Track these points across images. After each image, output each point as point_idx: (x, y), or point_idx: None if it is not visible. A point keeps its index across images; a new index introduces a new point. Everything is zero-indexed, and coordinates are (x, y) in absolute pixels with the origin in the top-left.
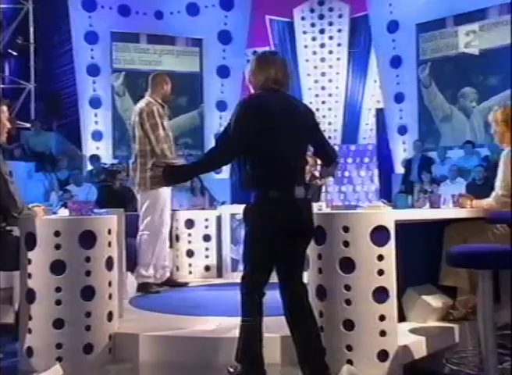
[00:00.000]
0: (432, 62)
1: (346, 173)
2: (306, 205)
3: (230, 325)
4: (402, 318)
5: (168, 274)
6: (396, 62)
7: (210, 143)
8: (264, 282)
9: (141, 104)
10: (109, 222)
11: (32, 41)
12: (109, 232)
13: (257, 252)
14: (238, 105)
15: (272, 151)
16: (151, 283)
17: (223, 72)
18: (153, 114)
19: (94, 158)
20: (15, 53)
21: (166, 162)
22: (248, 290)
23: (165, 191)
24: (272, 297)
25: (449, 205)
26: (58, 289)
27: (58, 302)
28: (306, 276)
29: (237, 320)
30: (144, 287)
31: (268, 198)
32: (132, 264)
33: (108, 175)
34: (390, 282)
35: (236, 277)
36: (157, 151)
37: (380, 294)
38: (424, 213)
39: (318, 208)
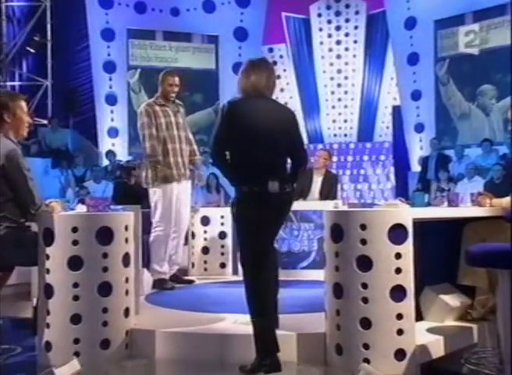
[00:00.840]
0: (450, 59)
1: (362, 171)
2: (281, 198)
3: (246, 322)
4: (419, 317)
5: (174, 271)
6: (413, 59)
7: None
8: (260, 259)
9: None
10: (126, 218)
11: (49, 38)
12: (126, 228)
13: (245, 239)
14: (220, 110)
15: (245, 151)
16: (166, 279)
17: (239, 69)
18: (144, 113)
19: (111, 154)
20: (32, 50)
21: (151, 160)
22: (249, 276)
23: (174, 188)
24: (287, 295)
25: (467, 204)
26: (75, 285)
27: (75, 298)
28: (322, 274)
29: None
30: (159, 284)
31: (243, 193)
32: (148, 260)
33: (124, 171)
34: (408, 280)
35: None
36: (145, 149)
37: (397, 293)
38: (443, 212)
39: (334, 205)
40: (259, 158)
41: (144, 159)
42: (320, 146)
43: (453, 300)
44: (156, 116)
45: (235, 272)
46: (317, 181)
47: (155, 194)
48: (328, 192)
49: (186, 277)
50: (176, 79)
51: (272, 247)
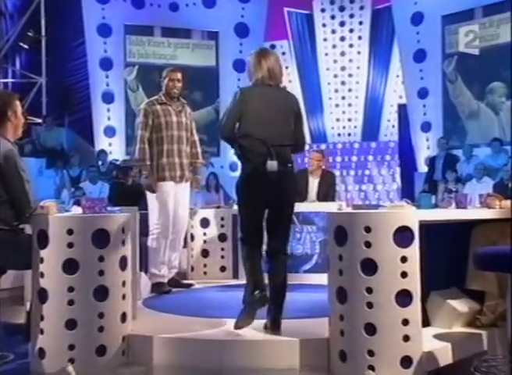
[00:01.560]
0: (459, 56)
1: (367, 172)
2: (280, 176)
3: (246, 328)
4: (426, 323)
5: (172, 275)
6: (420, 55)
7: None
8: (257, 243)
9: None
10: (123, 220)
11: (43, 33)
12: (123, 231)
13: (243, 216)
14: (232, 96)
15: (248, 133)
16: (165, 283)
17: (240, 66)
18: (142, 113)
19: (103, 154)
20: (26, 46)
21: (136, 165)
22: (246, 252)
23: (171, 189)
24: (289, 300)
25: (476, 206)
26: (70, 289)
27: (70, 302)
28: (325, 278)
29: (254, 322)
30: (157, 288)
31: (246, 171)
32: (146, 264)
33: (120, 171)
34: (414, 285)
35: None
36: (134, 151)
37: (403, 298)
38: (450, 213)
39: (338, 207)
40: (267, 139)
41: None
42: (323, 146)
43: (461, 305)
44: (155, 115)
45: (235, 275)
46: (313, 183)
47: (150, 198)
48: (326, 193)
49: (185, 281)
50: (179, 74)
51: (281, 246)
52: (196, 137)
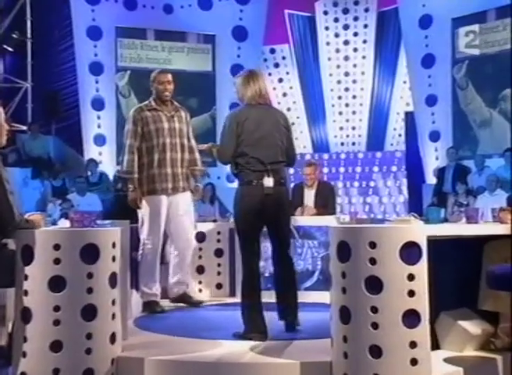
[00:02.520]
0: (470, 61)
1: (372, 183)
2: (276, 192)
3: (243, 349)
4: (435, 345)
5: (181, 291)
6: (428, 60)
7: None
8: (255, 252)
9: None
10: (113, 234)
11: (29, 36)
12: (113, 245)
13: (241, 232)
14: (226, 117)
15: (244, 152)
16: (157, 301)
17: (238, 71)
18: (130, 120)
19: (93, 164)
20: (10, 49)
21: (123, 177)
22: (245, 261)
23: (163, 201)
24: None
25: (488, 220)
26: (56, 308)
27: (56, 322)
28: (328, 296)
29: (251, 344)
30: (148, 307)
31: (243, 188)
32: (137, 281)
33: (125, 184)
34: (422, 305)
35: None
36: (121, 162)
37: (411, 318)
38: (461, 229)
39: (342, 221)
40: (262, 157)
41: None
42: (326, 155)
43: (473, 327)
44: (145, 122)
45: (232, 293)
46: (309, 195)
47: (140, 211)
48: (324, 205)
49: (195, 299)
50: (169, 76)
51: (283, 251)
52: (193, 143)
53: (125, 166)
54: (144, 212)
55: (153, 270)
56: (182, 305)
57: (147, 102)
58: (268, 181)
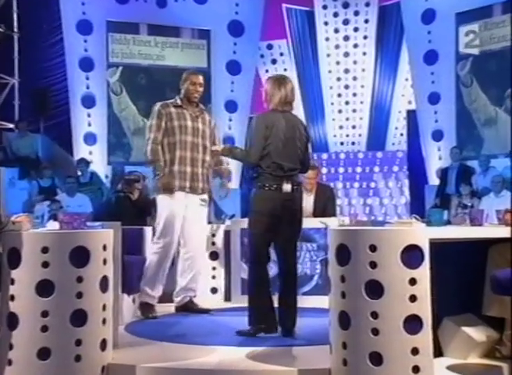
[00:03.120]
0: (474, 58)
1: (373, 184)
2: (292, 198)
3: (239, 356)
4: (438, 352)
5: (188, 299)
6: (431, 57)
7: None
8: (267, 262)
9: None
10: (104, 237)
11: (16, 29)
12: (104, 248)
13: (256, 235)
14: (254, 120)
15: (267, 156)
16: (153, 305)
17: (233, 68)
18: (155, 115)
19: (83, 164)
20: None
21: (151, 165)
22: (257, 273)
23: (180, 201)
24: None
25: (493, 223)
26: (44, 313)
27: (44, 329)
28: (327, 301)
29: (247, 350)
30: (143, 308)
31: (261, 192)
32: (129, 285)
33: (126, 184)
34: (424, 310)
35: (246, 302)
36: (145, 154)
37: (412, 324)
38: (464, 231)
39: (341, 223)
40: (283, 163)
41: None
42: (325, 155)
43: (477, 333)
44: (169, 118)
45: (227, 298)
46: (308, 199)
47: (158, 206)
48: (323, 208)
49: (202, 306)
50: (201, 78)
51: (294, 268)
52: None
53: (149, 155)
54: (161, 209)
55: (158, 271)
56: (204, 312)
57: (172, 100)
58: (287, 187)
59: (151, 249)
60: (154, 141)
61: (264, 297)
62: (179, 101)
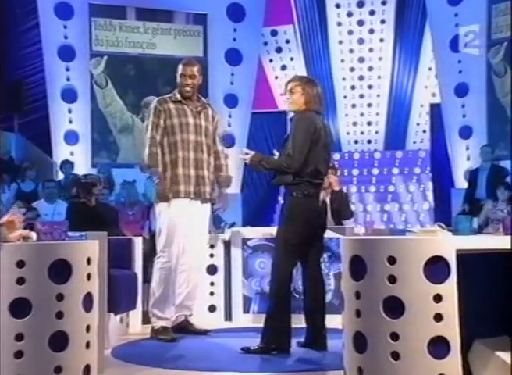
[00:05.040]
0: (508, 43)
1: (391, 188)
2: (324, 205)
3: None
4: None
5: (182, 318)
6: (458, 43)
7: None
8: (294, 266)
9: None
10: (89, 249)
11: None
12: (88, 261)
13: (292, 238)
14: (300, 120)
15: (308, 162)
16: (167, 327)
17: (233, 57)
18: (152, 112)
19: (68, 166)
20: None
21: (147, 171)
22: (280, 274)
23: (184, 208)
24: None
25: None
26: (19, 336)
27: (18, 354)
28: (340, 321)
29: None
30: (157, 333)
31: (299, 199)
32: (116, 303)
33: (82, 189)
34: (451, 331)
35: (249, 321)
36: (142, 158)
37: (438, 347)
38: (497, 241)
39: (355, 232)
40: (321, 170)
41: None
42: (337, 155)
43: None
44: (168, 115)
45: (227, 317)
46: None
47: (159, 217)
48: (338, 213)
49: (198, 327)
50: (193, 69)
51: (320, 274)
52: (219, 146)
53: (146, 159)
54: (163, 218)
55: (167, 289)
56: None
57: (171, 94)
58: (323, 195)
59: (155, 265)
60: (152, 142)
61: (284, 316)
62: (178, 96)
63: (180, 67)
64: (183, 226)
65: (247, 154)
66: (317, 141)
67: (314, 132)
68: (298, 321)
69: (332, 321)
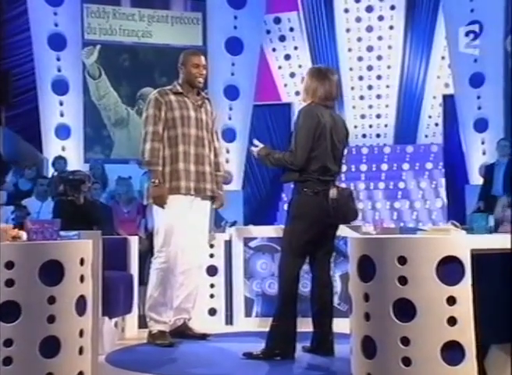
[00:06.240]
0: None
1: (401, 184)
2: (335, 203)
3: None
4: None
5: (181, 322)
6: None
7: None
8: (301, 265)
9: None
10: (82, 249)
11: None
12: (82, 262)
13: (297, 238)
14: (303, 114)
15: (314, 159)
16: (165, 332)
17: (234, 46)
18: (152, 104)
19: (61, 162)
20: None
21: (146, 168)
22: (287, 275)
23: (183, 207)
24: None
25: None
26: (8, 342)
27: (7, 361)
28: (348, 324)
29: None
30: (155, 338)
31: (306, 197)
32: (111, 307)
33: (69, 186)
34: (466, 335)
35: (251, 325)
36: (142, 153)
37: (452, 352)
38: None
39: (364, 231)
40: (330, 167)
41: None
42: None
43: None
44: (169, 107)
45: (228, 321)
46: None
47: (157, 214)
48: (344, 214)
49: (197, 331)
50: (203, 58)
51: (329, 277)
52: (216, 143)
53: (147, 155)
54: (161, 216)
55: (165, 292)
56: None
57: (171, 86)
58: (333, 193)
59: (152, 266)
60: (153, 137)
61: (289, 319)
62: (179, 88)
63: (190, 57)
64: (183, 225)
65: (256, 146)
66: (320, 136)
67: (317, 127)
68: (303, 325)
69: (339, 325)
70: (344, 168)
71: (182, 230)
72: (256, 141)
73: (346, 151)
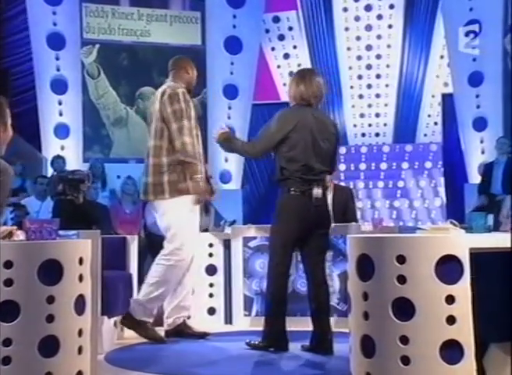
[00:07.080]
0: None
1: (401, 183)
2: (321, 203)
3: None
4: None
5: (181, 320)
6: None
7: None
8: (288, 264)
9: (163, 87)
10: (81, 248)
11: None
12: (81, 262)
13: (280, 242)
14: (280, 113)
15: (295, 159)
16: (149, 323)
17: (233, 45)
18: (178, 97)
19: (60, 161)
20: None
21: (184, 160)
22: (274, 274)
23: (195, 207)
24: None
25: None
26: (7, 342)
27: (6, 360)
28: (347, 324)
29: None
30: (139, 327)
31: (289, 197)
32: (110, 306)
33: (68, 185)
34: (465, 334)
35: (250, 324)
36: (176, 145)
37: (451, 351)
38: None
39: (362, 230)
40: (314, 166)
41: (154, 159)
42: (343, 149)
43: None
44: (190, 106)
45: (228, 320)
46: None
47: (168, 212)
48: (342, 213)
49: (197, 330)
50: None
51: (323, 275)
52: None
53: (189, 149)
54: (177, 213)
55: (170, 288)
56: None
57: (177, 85)
58: (318, 192)
59: (164, 262)
60: (190, 132)
61: (279, 317)
62: (185, 90)
63: (191, 65)
64: (197, 224)
65: (222, 129)
66: (301, 135)
67: (293, 127)
68: (302, 324)
69: (338, 324)
70: (343, 167)
71: (196, 229)
72: (222, 124)
73: (338, 150)
